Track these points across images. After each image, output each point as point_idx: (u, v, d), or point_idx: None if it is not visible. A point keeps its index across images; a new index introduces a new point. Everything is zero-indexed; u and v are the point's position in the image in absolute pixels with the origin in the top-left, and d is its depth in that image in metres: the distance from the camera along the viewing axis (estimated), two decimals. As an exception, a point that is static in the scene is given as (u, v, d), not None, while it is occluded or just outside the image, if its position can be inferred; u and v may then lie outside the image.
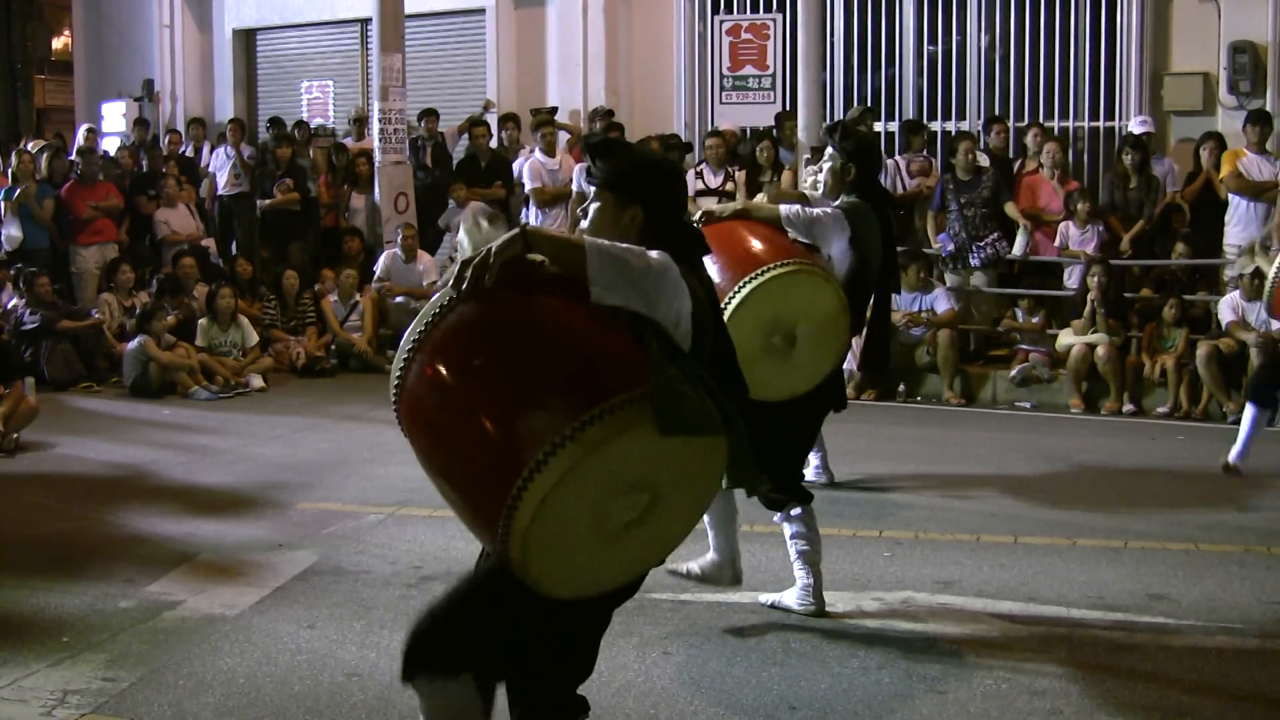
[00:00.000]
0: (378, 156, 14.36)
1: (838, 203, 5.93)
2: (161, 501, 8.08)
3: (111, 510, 7.82)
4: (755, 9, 15.11)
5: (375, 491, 8.05)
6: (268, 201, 14.96)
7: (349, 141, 15.87)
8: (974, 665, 5.32)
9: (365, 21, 16.38)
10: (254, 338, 12.79)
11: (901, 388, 11.81)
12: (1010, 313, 12.29)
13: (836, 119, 6.33)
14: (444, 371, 3.17)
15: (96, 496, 8.17)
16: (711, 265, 5.03)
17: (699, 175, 13.27)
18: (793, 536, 5.82)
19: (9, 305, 12.80)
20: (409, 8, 14.57)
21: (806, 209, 5.78)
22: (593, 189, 3.60)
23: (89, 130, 16.75)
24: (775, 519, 5.87)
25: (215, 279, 13.54)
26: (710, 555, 5.87)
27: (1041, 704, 4.93)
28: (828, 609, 5.83)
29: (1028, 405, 11.43)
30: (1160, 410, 10.85)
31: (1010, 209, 12.18)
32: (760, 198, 7.57)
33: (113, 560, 6.76)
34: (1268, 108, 12.37)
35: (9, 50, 23.00)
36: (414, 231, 14.07)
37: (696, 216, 5.67)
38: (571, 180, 13.48)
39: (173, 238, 14.71)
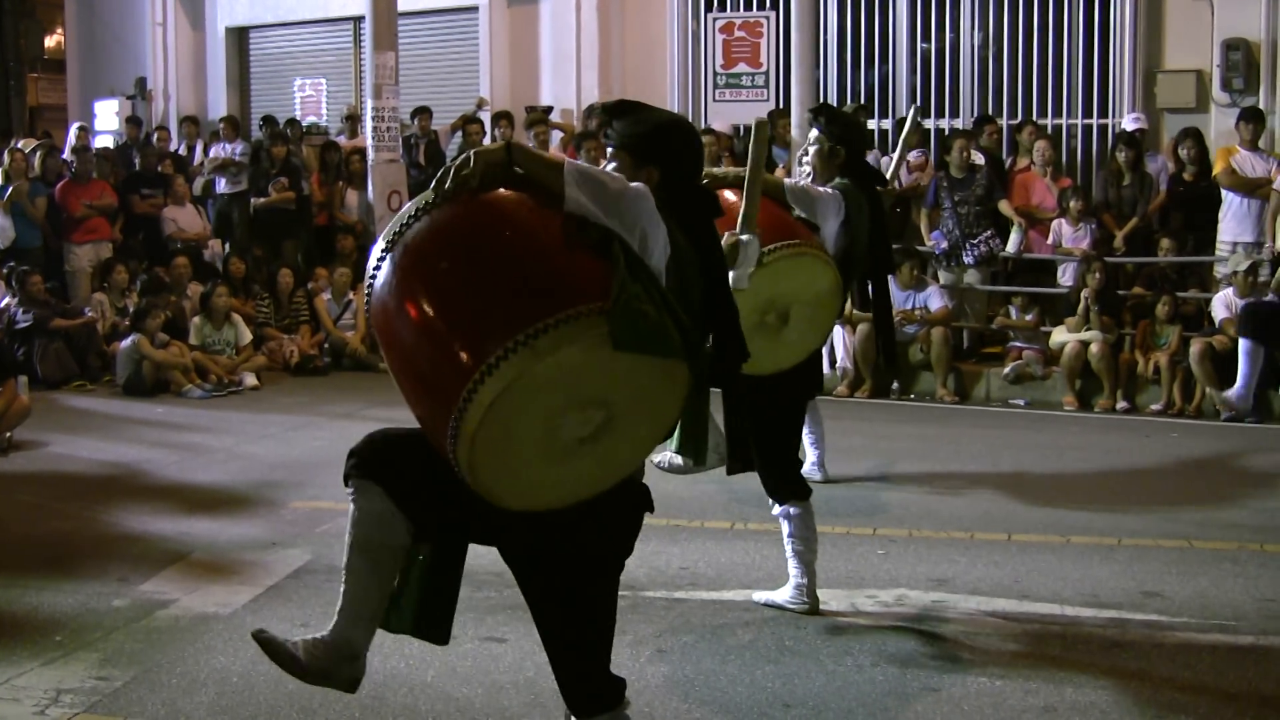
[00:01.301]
0: (371, 154, 14.33)
1: (831, 184, 5.87)
2: (155, 500, 8.07)
3: (105, 509, 7.80)
4: (748, 7, 15.10)
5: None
6: (262, 200, 14.93)
7: (342, 139, 15.85)
8: (968, 663, 5.32)
9: (358, 19, 16.35)
10: (247, 336, 12.77)
11: (895, 385, 11.82)
12: (1004, 310, 12.31)
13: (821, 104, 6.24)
14: (411, 273, 3.20)
15: (90, 495, 8.15)
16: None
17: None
18: (790, 535, 5.81)
19: (2, 304, 12.78)
20: (402, 5, 14.55)
21: (810, 185, 5.75)
22: (610, 149, 3.67)
23: (81, 128, 16.72)
24: (774, 513, 5.85)
25: (210, 278, 13.51)
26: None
27: (1035, 701, 4.93)
28: (821, 607, 5.83)
29: (1021, 403, 11.44)
30: (1154, 407, 10.86)
31: (1004, 206, 12.19)
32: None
33: (106, 559, 6.75)
34: (1260, 105, 12.38)
35: (1, 48, 22.96)
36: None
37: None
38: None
39: (179, 236, 14.69)
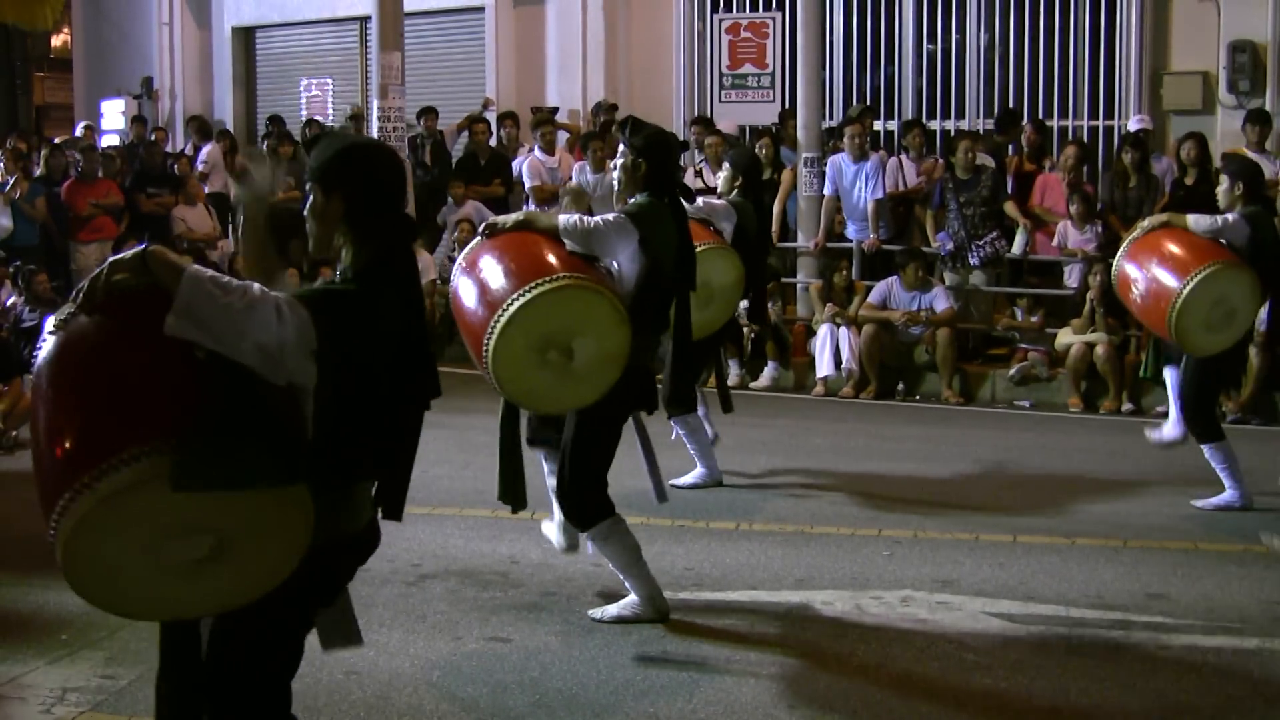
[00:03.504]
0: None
1: (622, 207, 5.77)
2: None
3: (110, 508, 7.79)
4: (754, 7, 15.11)
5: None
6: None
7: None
8: (973, 664, 5.32)
9: (364, 19, 16.39)
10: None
11: (900, 387, 11.82)
12: (1009, 312, 12.29)
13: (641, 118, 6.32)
14: (43, 386, 3.21)
15: (95, 494, 8.14)
16: (487, 278, 5.30)
17: (698, 174, 13.26)
18: (601, 553, 5.79)
19: (8, 303, 12.78)
20: (408, 6, 14.52)
21: (585, 219, 5.60)
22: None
23: (87, 127, 16.74)
24: (581, 538, 5.82)
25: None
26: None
27: (1040, 703, 4.93)
28: (826, 608, 5.83)
29: (1026, 404, 11.43)
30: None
31: (1010, 208, 12.18)
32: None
33: (111, 558, 6.74)
34: (1267, 107, 12.37)
35: (8, 47, 23.01)
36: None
37: (481, 229, 5.66)
38: (571, 178, 13.47)
39: (189, 235, 14.69)
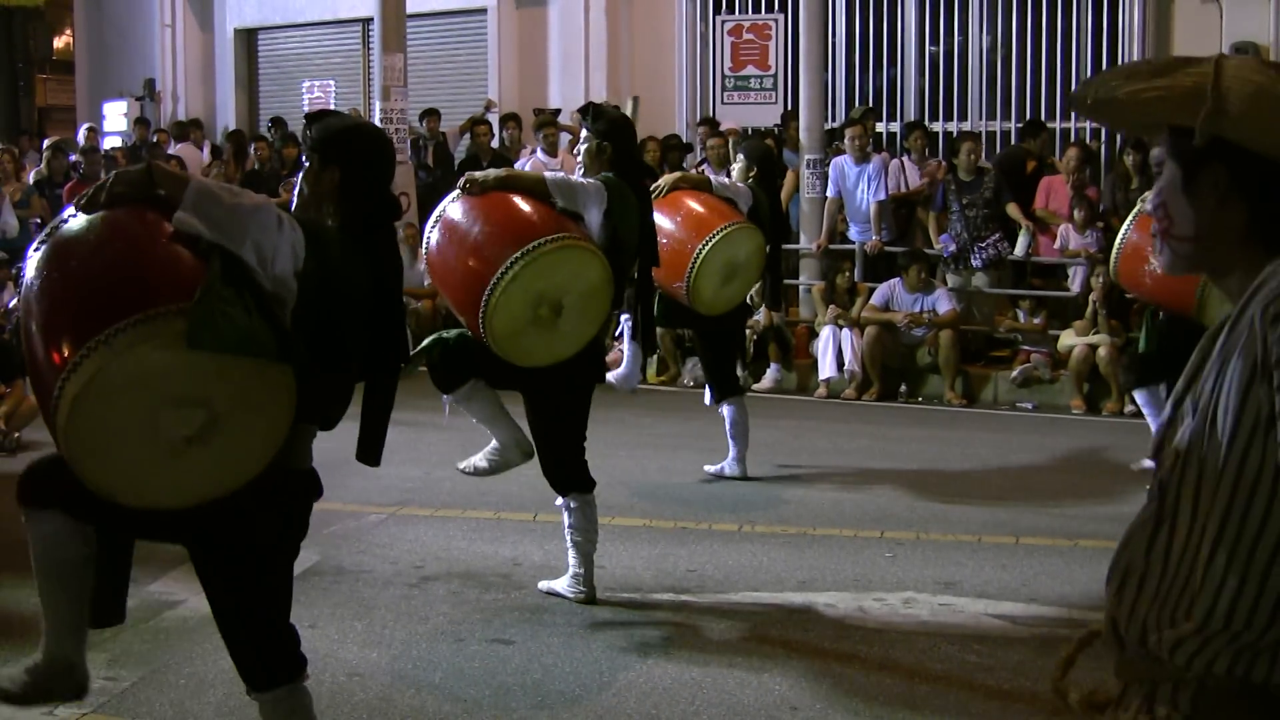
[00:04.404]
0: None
1: (596, 176, 6.02)
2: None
3: (113, 509, 7.80)
4: (757, 9, 15.12)
5: (376, 491, 8.04)
6: (273, 200, 14.93)
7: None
8: (975, 666, 5.32)
9: (367, 21, 16.38)
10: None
11: (903, 388, 11.81)
12: (1011, 313, 12.29)
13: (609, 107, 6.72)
14: (44, 272, 3.42)
15: (98, 496, 8.15)
16: (480, 235, 5.54)
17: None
18: (569, 526, 5.94)
19: (10, 304, 12.78)
20: (411, 7, 14.56)
21: (570, 177, 5.98)
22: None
23: (90, 129, 16.75)
24: (556, 503, 5.99)
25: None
26: (492, 444, 6.03)
27: (1044, 704, 4.92)
28: (829, 609, 5.83)
29: (1029, 406, 11.42)
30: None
31: (1012, 210, 12.17)
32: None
33: (114, 559, 6.75)
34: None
35: (10, 49, 23.02)
36: (415, 231, 14.04)
37: (460, 183, 5.85)
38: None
39: None
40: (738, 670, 5.25)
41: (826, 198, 12.67)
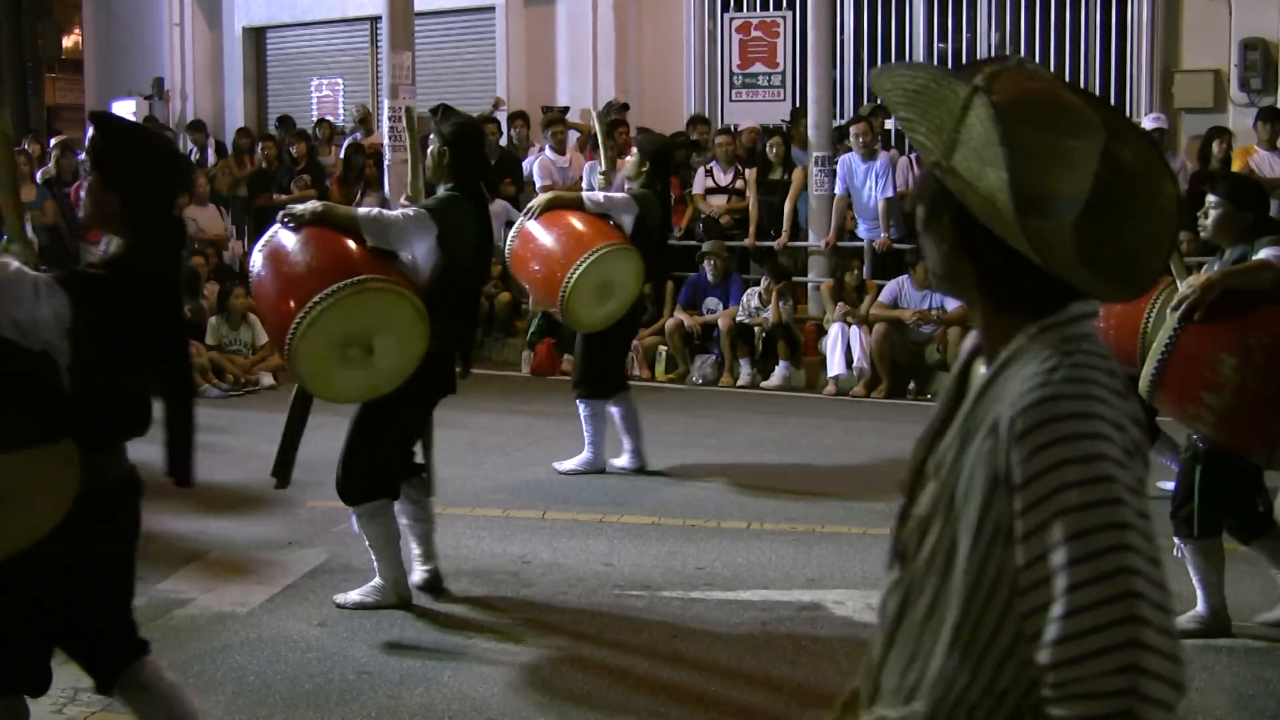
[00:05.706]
0: (387, 155, 14.33)
1: (422, 203, 5.91)
2: (171, 499, 7.99)
3: (122, 508, 7.81)
4: (765, 6, 15.11)
5: (385, 489, 8.07)
6: (284, 197, 14.95)
7: (355, 139, 15.90)
8: (984, 664, 5.30)
9: (375, 19, 16.38)
10: (264, 336, 12.77)
11: (912, 386, 11.79)
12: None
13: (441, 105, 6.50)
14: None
15: (107, 494, 8.16)
16: (288, 273, 5.57)
17: (709, 173, 13.26)
18: (361, 530, 5.88)
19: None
20: (419, 5, 14.55)
21: (385, 213, 5.79)
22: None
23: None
24: (350, 516, 5.91)
25: (228, 278, 13.53)
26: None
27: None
28: (836, 607, 5.83)
29: (1038, 403, 11.38)
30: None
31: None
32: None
33: (124, 558, 6.76)
34: (1279, 105, 12.33)
35: (19, 48, 23.04)
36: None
37: (280, 215, 5.77)
38: (581, 178, 13.45)
39: (200, 236, 14.70)
40: (747, 668, 5.25)
41: (835, 195, 12.66)
